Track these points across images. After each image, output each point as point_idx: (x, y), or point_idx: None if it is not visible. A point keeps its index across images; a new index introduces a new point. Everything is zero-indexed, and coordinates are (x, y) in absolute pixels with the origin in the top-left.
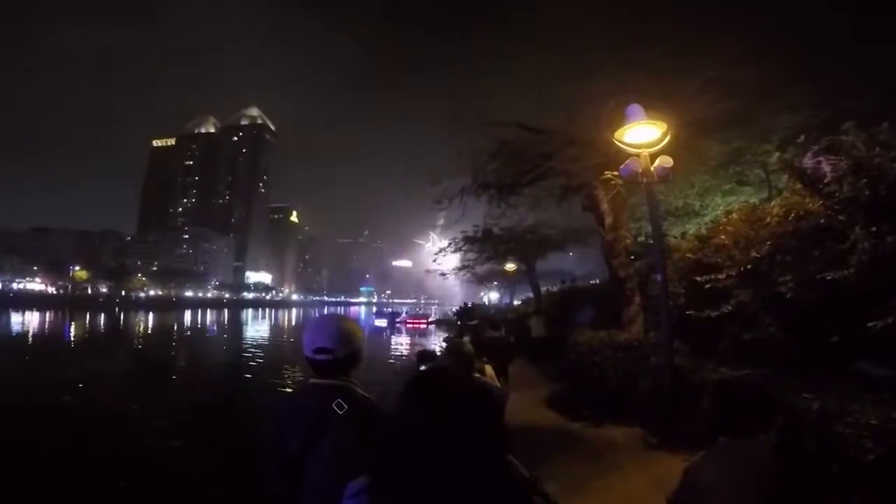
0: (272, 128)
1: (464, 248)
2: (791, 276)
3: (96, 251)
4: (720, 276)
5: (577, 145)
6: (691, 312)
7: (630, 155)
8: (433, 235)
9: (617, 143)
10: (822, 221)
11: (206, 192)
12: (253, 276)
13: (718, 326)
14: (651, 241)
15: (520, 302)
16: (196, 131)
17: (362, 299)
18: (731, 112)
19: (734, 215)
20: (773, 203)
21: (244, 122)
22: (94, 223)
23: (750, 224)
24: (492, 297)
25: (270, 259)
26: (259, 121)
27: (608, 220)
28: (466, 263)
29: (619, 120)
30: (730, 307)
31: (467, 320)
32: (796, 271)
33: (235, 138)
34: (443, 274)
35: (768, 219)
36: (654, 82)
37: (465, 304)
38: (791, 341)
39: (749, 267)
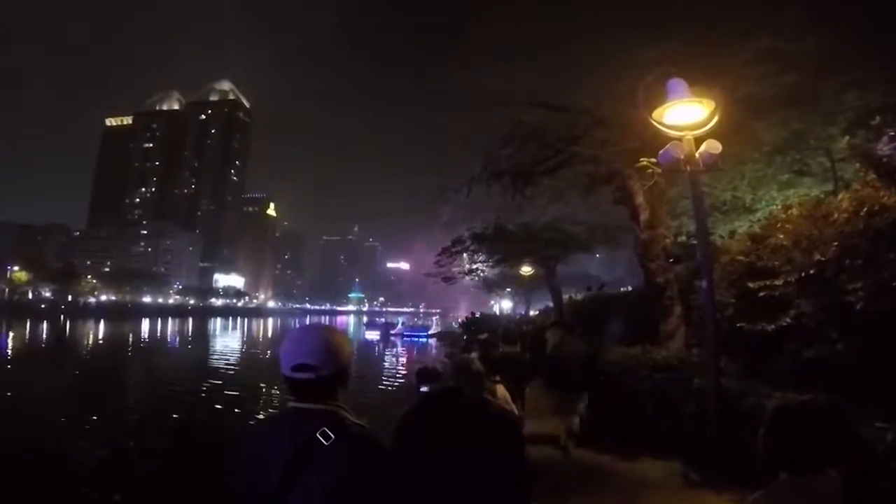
0: (246, 104)
1: (471, 249)
2: (862, 283)
3: (39, 249)
4: (777, 283)
5: (607, 127)
6: (742, 325)
7: (670, 139)
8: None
9: (655, 124)
10: None
11: (168, 179)
12: (223, 280)
13: (774, 342)
14: (694, 241)
15: (537, 312)
16: (158, 108)
17: (351, 308)
18: (788, 89)
19: (794, 211)
20: (840, 196)
21: (213, 97)
22: (43, 217)
23: (813, 221)
24: (504, 305)
25: (244, 259)
26: (231, 96)
27: (644, 216)
28: (475, 266)
29: (658, 97)
30: (788, 319)
31: (475, 333)
32: (868, 277)
33: (203, 116)
34: (447, 279)
35: (835, 215)
36: (698, 53)
37: (473, 314)
38: (861, 360)
39: (812, 272)
